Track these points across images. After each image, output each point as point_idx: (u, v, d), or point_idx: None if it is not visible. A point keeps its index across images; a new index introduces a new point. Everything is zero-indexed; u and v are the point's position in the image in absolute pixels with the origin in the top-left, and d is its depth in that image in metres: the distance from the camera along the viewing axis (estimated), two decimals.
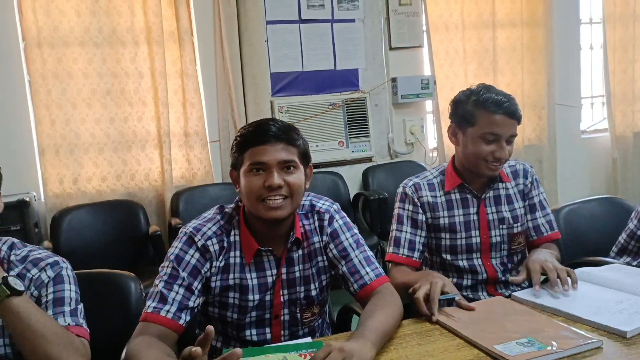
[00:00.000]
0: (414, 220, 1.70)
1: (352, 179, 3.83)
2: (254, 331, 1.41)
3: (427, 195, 1.71)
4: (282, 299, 1.42)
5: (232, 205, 1.44)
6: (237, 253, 1.39)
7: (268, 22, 3.60)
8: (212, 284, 1.37)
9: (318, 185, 3.59)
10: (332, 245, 1.44)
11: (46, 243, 2.91)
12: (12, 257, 1.27)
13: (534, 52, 4.09)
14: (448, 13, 3.92)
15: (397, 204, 1.74)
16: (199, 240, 1.36)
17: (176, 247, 1.36)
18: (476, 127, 1.60)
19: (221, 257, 1.37)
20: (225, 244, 1.38)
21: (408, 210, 1.71)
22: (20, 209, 2.96)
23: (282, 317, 1.43)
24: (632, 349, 1.14)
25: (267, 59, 3.61)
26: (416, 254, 1.68)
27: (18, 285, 1.17)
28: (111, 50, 3.29)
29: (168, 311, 1.27)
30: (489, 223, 1.70)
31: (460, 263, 1.71)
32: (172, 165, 3.45)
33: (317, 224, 1.44)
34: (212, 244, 1.36)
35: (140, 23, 3.32)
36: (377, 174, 3.81)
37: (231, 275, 1.38)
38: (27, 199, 3.01)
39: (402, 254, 1.67)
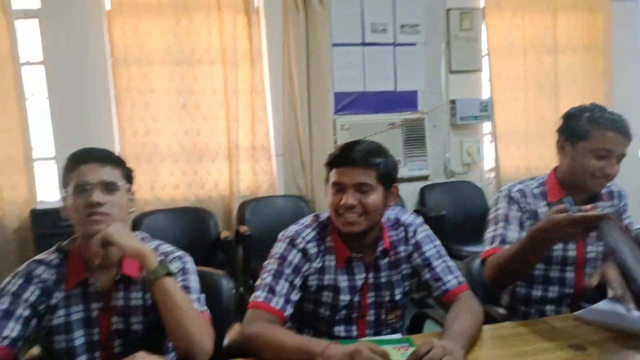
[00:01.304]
0: (521, 222, 1.72)
1: (409, 196, 3.94)
2: (342, 328, 1.55)
3: (531, 203, 1.75)
4: (368, 301, 1.56)
5: (327, 214, 1.59)
6: (332, 257, 1.54)
7: (334, 45, 3.79)
8: (310, 283, 1.53)
9: None
10: (415, 255, 1.57)
11: None
12: None
13: (594, 78, 4.13)
14: (510, 38, 4.02)
15: (501, 205, 1.75)
16: (300, 243, 1.52)
17: (280, 248, 1.52)
18: (589, 142, 1.63)
19: (318, 259, 1.53)
20: (322, 248, 1.54)
21: (515, 211, 1.73)
22: None
23: (367, 317, 1.57)
24: None
25: (332, 79, 3.79)
26: None
27: (171, 268, 1.35)
28: (189, 68, 3.55)
29: (277, 302, 1.44)
30: (586, 239, 1.71)
31: (552, 274, 1.74)
32: (240, 177, 3.66)
33: (402, 235, 1.58)
34: (311, 247, 1.52)
35: (216, 44, 3.57)
36: (433, 192, 3.92)
37: (326, 277, 1.53)
38: None
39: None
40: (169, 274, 1.33)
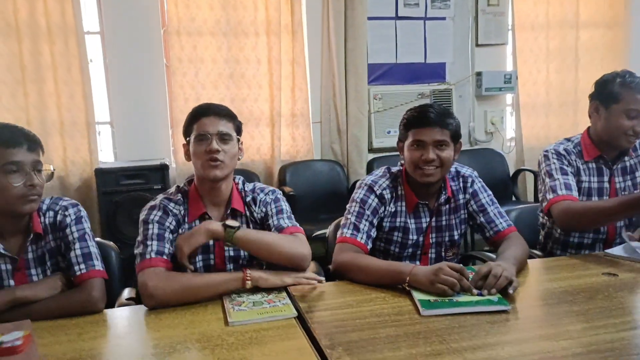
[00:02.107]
0: (572, 174, 1.97)
1: None
2: (408, 262, 1.87)
3: (575, 160, 2.00)
4: (430, 241, 1.86)
5: (398, 167, 1.88)
6: (403, 203, 1.84)
7: (369, 18, 4.02)
8: (384, 224, 1.83)
9: None
10: (472, 202, 1.88)
11: None
12: (245, 187, 1.75)
13: (615, 52, 4.37)
14: (535, 13, 4.25)
15: (553, 160, 1.98)
16: (377, 189, 1.82)
17: (360, 193, 1.82)
18: (621, 104, 1.87)
19: (392, 204, 1.83)
20: (394, 195, 1.84)
21: (566, 165, 1.97)
22: (162, 171, 3.52)
23: (429, 255, 1.88)
24: None
25: (366, 51, 4.04)
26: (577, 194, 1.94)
27: (234, 223, 1.58)
28: (235, 39, 3.80)
29: (361, 238, 1.75)
30: (617, 191, 2.02)
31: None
32: (281, 142, 3.95)
33: (461, 185, 1.88)
34: (386, 194, 1.82)
35: (262, 17, 3.81)
36: (460, 159, 4.16)
37: (398, 219, 1.83)
38: (167, 163, 3.57)
39: (575, 196, 1.91)
40: (237, 228, 1.55)
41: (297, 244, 1.62)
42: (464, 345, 1.19)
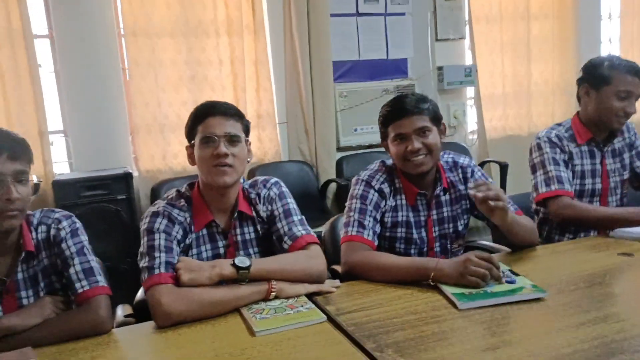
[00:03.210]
0: (565, 162, 2.00)
1: None
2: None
3: (567, 145, 2.02)
4: (434, 234, 1.82)
5: (391, 160, 1.82)
6: (402, 196, 1.78)
7: (332, 15, 3.97)
8: (386, 219, 1.77)
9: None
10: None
11: None
12: (245, 184, 1.61)
13: (564, 43, 4.54)
14: (488, 5, 4.35)
15: (546, 149, 2.01)
16: (375, 184, 1.75)
17: (358, 189, 1.75)
18: (611, 86, 1.91)
19: (391, 198, 1.77)
20: (393, 189, 1.78)
21: (559, 153, 2.00)
22: (126, 180, 3.32)
23: (435, 249, 1.84)
24: None
25: (330, 48, 3.99)
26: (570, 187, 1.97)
27: (244, 262, 1.40)
28: (196, 40, 3.65)
29: (368, 234, 1.68)
30: (608, 173, 2.07)
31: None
32: None
33: (461, 175, 1.84)
34: (385, 187, 1.76)
35: (222, 16, 3.68)
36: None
37: (400, 214, 1.78)
38: (131, 172, 3.37)
39: (568, 189, 1.95)
40: (247, 268, 1.41)
41: (312, 262, 1.51)
42: (517, 335, 1.16)
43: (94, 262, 1.40)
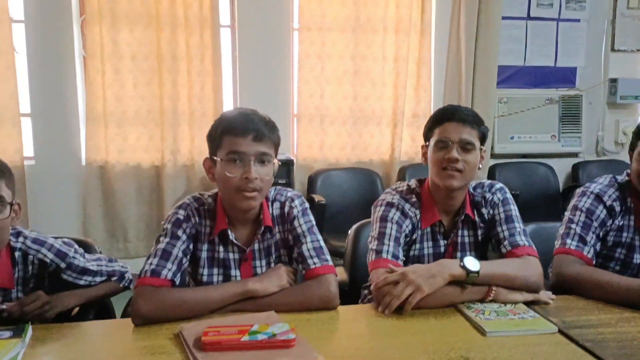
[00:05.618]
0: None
1: (560, 172, 4.01)
2: None
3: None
4: None
5: (624, 176, 1.69)
6: (631, 217, 1.66)
7: (503, 18, 3.84)
8: (608, 238, 1.66)
9: (531, 175, 3.84)
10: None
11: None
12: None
13: None
14: None
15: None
16: (607, 200, 1.64)
17: (586, 202, 1.64)
18: None
19: (620, 217, 1.65)
20: (624, 208, 1.66)
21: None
22: (287, 166, 3.47)
23: None
24: None
25: (497, 53, 3.87)
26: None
27: (474, 266, 1.40)
28: (364, 36, 3.72)
29: (588, 252, 1.60)
30: None
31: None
32: (401, 143, 3.84)
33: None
34: (617, 205, 1.64)
35: (392, 14, 3.71)
36: (588, 169, 3.97)
37: (624, 234, 1.66)
38: (292, 159, 3.53)
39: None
40: (475, 272, 1.41)
41: (531, 272, 1.48)
42: None
43: (322, 242, 1.48)
